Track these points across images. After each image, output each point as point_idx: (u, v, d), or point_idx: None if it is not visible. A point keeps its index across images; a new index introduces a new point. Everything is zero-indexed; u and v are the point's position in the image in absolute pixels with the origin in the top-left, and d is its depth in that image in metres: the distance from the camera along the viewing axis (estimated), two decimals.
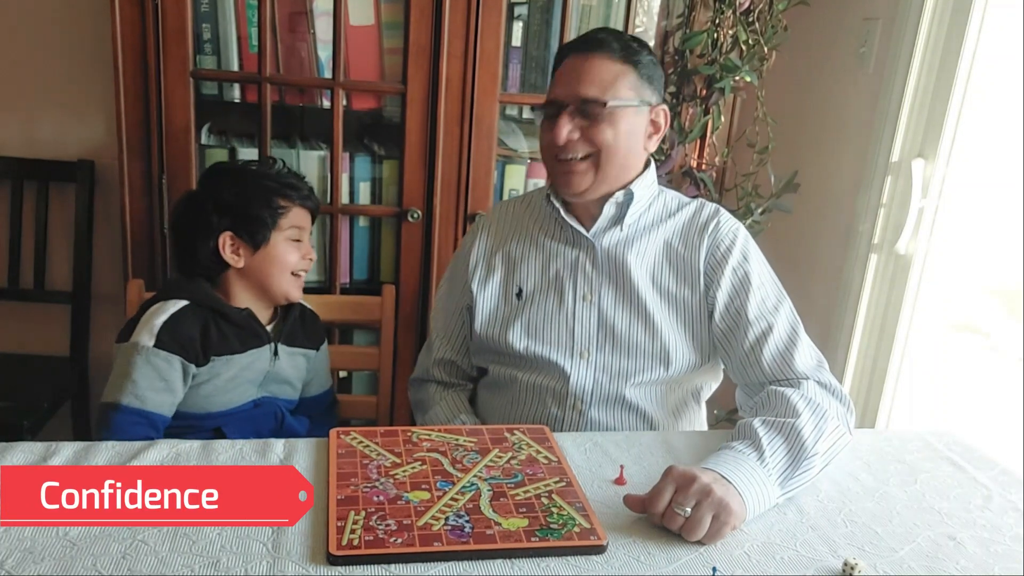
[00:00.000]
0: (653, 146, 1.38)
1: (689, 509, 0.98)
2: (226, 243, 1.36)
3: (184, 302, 1.33)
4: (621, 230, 1.39)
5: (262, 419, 1.40)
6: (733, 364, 1.36)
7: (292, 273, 1.41)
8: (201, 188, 1.44)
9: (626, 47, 1.31)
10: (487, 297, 1.44)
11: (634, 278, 1.37)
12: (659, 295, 1.37)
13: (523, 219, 1.47)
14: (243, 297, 1.40)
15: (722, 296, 1.35)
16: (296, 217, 1.40)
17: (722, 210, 1.43)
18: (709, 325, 1.37)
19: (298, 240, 1.41)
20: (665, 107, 1.36)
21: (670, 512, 1.00)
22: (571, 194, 1.36)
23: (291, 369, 1.45)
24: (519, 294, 1.42)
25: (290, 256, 1.40)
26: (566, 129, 1.30)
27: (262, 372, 1.40)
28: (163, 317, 1.30)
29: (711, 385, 1.48)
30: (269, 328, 1.42)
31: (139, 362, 1.28)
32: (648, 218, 1.41)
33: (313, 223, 1.47)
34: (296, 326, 1.46)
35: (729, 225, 1.40)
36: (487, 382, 1.49)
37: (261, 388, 1.41)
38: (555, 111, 1.31)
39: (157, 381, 1.28)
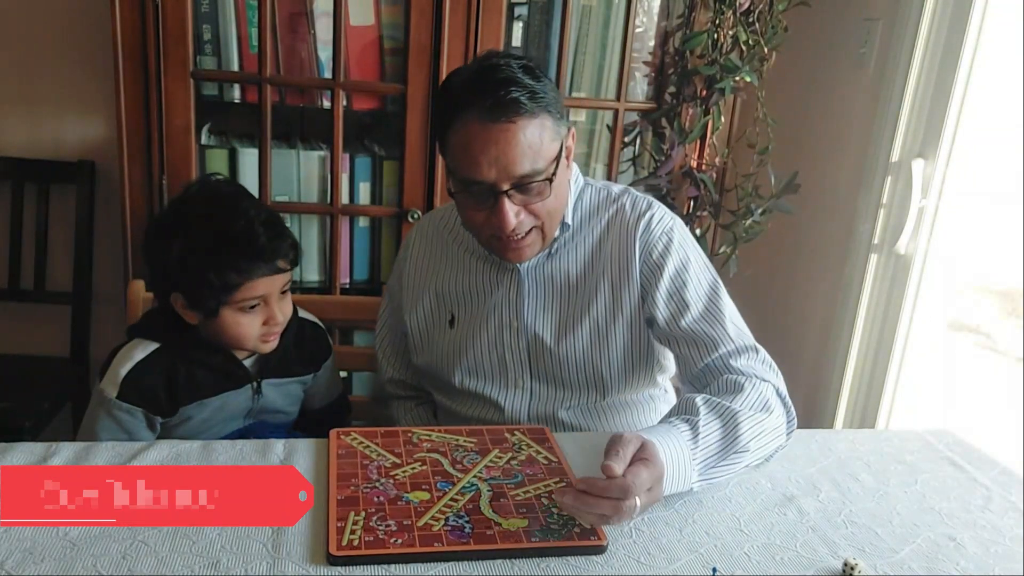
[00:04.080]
0: (572, 170, 1.28)
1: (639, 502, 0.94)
2: (178, 301, 1.24)
3: (154, 345, 1.25)
4: (549, 255, 1.31)
5: None
6: (683, 375, 1.29)
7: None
8: (158, 236, 1.24)
9: (532, 93, 1.13)
10: (420, 327, 1.38)
11: (562, 296, 1.31)
12: (591, 306, 1.30)
13: (446, 238, 1.39)
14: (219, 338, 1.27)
15: (661, 310, 1.27)
16: (254, 289, 1.21)
17: (654, 204, 1.33)
18: (649, 330, 1.31)
19: (255, 306, 1.23)
20: (572, 128, 1.24)
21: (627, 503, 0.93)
22: (519, 262, 1.28)
23: (282, 399, 1.37)
24: (451, 321, 1.35)
25: (244, 329, 1.24)
26: (512, 215, 1.17)
27: (243, 409, 1.32)
28: (128, 366, 1.23)
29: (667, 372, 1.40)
30: (251, 361, 1.32)
31: (102, 416, 1.23)
32: (569, 233, 1.32)
33: (294, 267, 1.27)
34: (288, 354, 1.34)
35: (663, 224, 1.30)
36: (439, 403, 1.44)
37: (248, 418, 1.34)
38: (485, 193, 1.17)
39: (120, 434, 1.23)
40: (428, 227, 1.43)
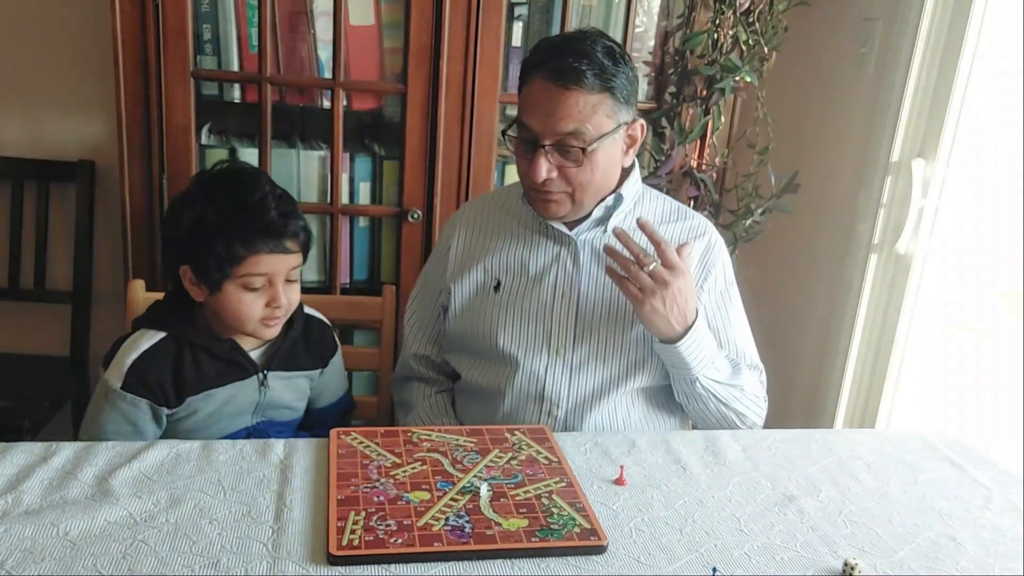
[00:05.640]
0: (630, 160, 1.36)
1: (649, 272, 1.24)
2: (186, 274, 1.24)
3: (161, 334, 1.25)
4: (605, 231, 1.38)
5: None
6: None
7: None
8: (175, 206, 1.27)
9: (601, 72, 1.24)
10: (465, 293, 1.42)
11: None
12: None
13: (498, 215, 1.45)
14: (225, 326, 1.27)
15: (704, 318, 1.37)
16: (258, 265, 1.21)
17: (710, 227, 1.44)
18: None
19: (260, 287, 1.23)
20: (642, 120, 1.33)
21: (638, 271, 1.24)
22: (548, 218, 1.36)
23: (289, 393, 1.36)
24: (496, 287, 1.40)
25: (246, 308, 1.23)
26: (544, 168, 1.27)
27: (251, 403, 1.31)
28: (134, 355, 1.22)
29: None
30: (258, 353, 1.32)
31: (106, 407, 1.22)
32: (632, 220, 1.38)
33: (305, 259, 1.28)
34: (296, 347, 1.34)
35: (719, 246, 1.42)
36: (462, 387, 1.47)
37: (256, 415, 1.33)
38: (530, 142, 1.28)
39: (124, 425, 1.23)
40: (478, 206, 1.50)
